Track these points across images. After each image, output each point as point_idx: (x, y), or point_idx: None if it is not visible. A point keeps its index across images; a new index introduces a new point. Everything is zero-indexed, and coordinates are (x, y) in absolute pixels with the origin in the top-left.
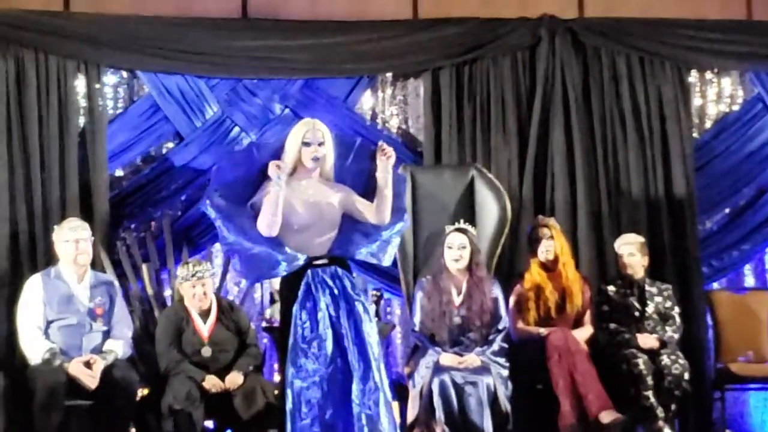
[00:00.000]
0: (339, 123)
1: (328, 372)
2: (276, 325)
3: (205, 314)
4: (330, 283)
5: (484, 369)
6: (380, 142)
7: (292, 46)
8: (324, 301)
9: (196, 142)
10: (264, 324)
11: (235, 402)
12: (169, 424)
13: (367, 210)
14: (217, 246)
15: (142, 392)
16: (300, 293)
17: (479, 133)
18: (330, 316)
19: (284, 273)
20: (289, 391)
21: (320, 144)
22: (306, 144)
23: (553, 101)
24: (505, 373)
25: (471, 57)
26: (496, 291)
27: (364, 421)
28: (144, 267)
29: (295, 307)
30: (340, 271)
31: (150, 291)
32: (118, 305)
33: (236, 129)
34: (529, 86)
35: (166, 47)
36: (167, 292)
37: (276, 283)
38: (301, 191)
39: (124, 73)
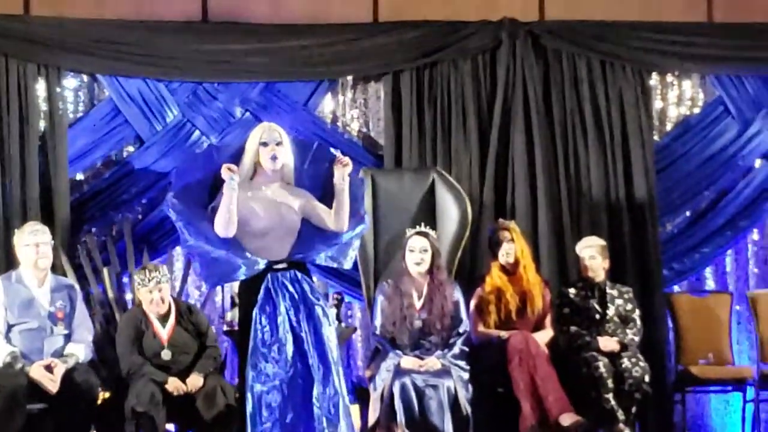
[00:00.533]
0: (300, 126)
1: (289, 376)
2: (236, 328)
3: (163, 318)
4: (290, 287)
5: (444, 372)
6: (337, 153)
7: (252, 50)
8: (284, 305)
9: (157, 146)
10: (225, 327)
11: (197, 403)
12: (131, 427)
13: (326, 216)
14: (178, 249)
15: (103, 396)
16: (260, 297)
17: (440, 136)
18: (290, 320)
19: (244, 277)
20: (249, 395)
21: (278, 143)
22: (263, 144)
23: (514, 104)
24: (466, 376)
25: (431, 60)
26: (457, 294)
27: (324, 424)
28: (105, 270)
29: (255, 311)
30: (299, 275)
31: (111, 294)
32: (79, 309)
33: (197, 132)
34: (490, 89)
35: (127, 51)
36: (128, 296)
37: (237, 286)
38: (261, 195)
39: (85, 77)
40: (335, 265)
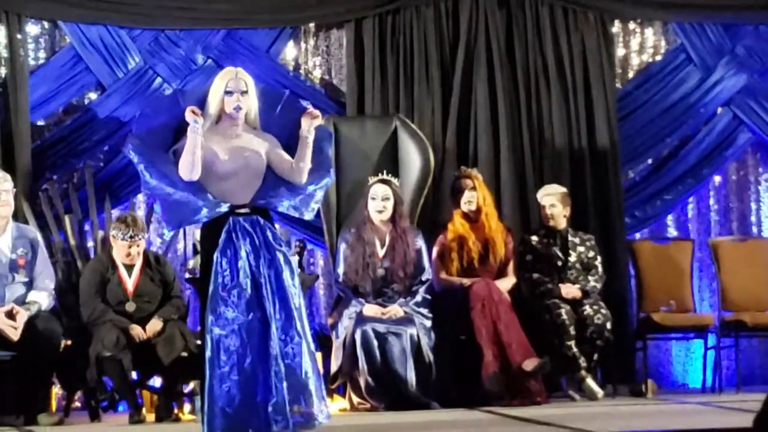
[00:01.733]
0: (262, 74)
1: (248, 320)
2: (198, 276)
3: (130, 267)
4: (251, 231)
5: (407, 320)
6: (308, 105)
7: None
8: (245, 249)
9: (119, 93)
10: (187, 275)
11: (157, 348)
12: (93, 373)
13: (287, 165)
14: (140, 197)
15: (65, 343)
16: (221, 241)
17: (402, 84)
18: (250, 264)
19: (206, 219)
20: (208, 339)
21: (243, 93)
22: (228, 93)
23: (477, 52)
24: (429, 323)
25: (394, 7)
26: (420, 242)
27: (282, 370)
28: (66, 218)
29: (216, 255)
30: (261, 220)
31: (72, 242)
32: (41, 257)
33: (159, 79)
34: (453, 37)
35: None
36: (90, 244)
37: (198, 233)
38: (226, 139)
39: (46, 24)
40: (297, 215)
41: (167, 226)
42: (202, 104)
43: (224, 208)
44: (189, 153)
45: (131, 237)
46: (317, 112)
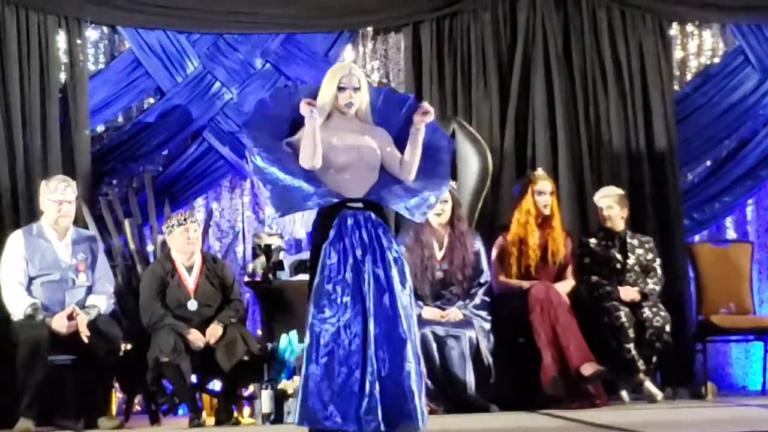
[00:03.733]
0: (320, 78)
1: (348, 317)
2: (258, 279)
3: (190, 268)
4: (363, 226)
5: (466, 322)
6: (424, 103)
7: (272, 2)
8: (354, 243)
9: (177, 97)
10: (246, 278)
11: (217, 355)
12: (153, 377)
13: (396, 161)
14: (200, 201)
15: (125, 347)
16: (331, 233)
17: (460, 87)
18: (356, 259)
19: (316, 206)
20: (308, 331)
21: (355, 89)
22: (341, 89)
23: (534, 54)
24: (488, 326)
25: (451, 11)
26: (478, 244)
27: (377, 371)
28: (126, 222)
29: (325, 246)
30: (374, 216)
31: (132, 246)
32: (101, 260)
33: (217, 84)
34: (510, 40)
35: (147, 3)
36: (149, 248)
37: (260, 238)
38: (339, 133)
39: (105, 29)
40: (408, 216)
41: (275, 212)
42: (315, 97)
43: (336, 199)
44: (310, 141)
45: (186, 220)
46: (430, 108)
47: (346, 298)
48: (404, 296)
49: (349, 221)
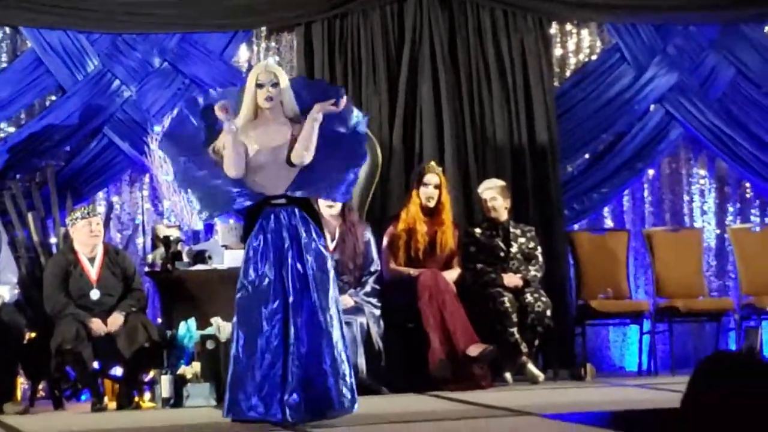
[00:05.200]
0: (216, 76)
1: (269, 310)
2: (158, 269)
3: (92, 259)
4: (284, 222)
5: (357, 309)
6: (342, 99)
7: (168, 2)
8: (275, 240)
9: (78, 95)
10: (146, 269)
11: (119, 342)
12: (56, 364)
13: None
14: (101, 194)
15: (29, 335)
16: (253, 231)
17: (351, 84)
18: (277, 254)
19: (241, 207)
20: (232, 325)
21: (273, 84)
22: (259, 86)
23: (422, 53)
24: (378, 312)
25: (342, 11)
26: (368, 234)
27: (298, 361)
28: (29, 215)
29: (248, 242)
30: (297, 211)
31: (35, 238)
32: (4, 252)
33: (117, 82)
34: (398, 39)
35: (49, 3)
36: (52, 240)
37: (159, 230)
38: (259, 133)
39: (7, 29)
40: (331, 200)
41: (200, 215)
42: (239, 101)
43: (258, 199)
44: (229, 151)
45: (88, 213)
46: (334, 109)
47: (268, 292)
48: (326, 288)
49: (272, 218)
